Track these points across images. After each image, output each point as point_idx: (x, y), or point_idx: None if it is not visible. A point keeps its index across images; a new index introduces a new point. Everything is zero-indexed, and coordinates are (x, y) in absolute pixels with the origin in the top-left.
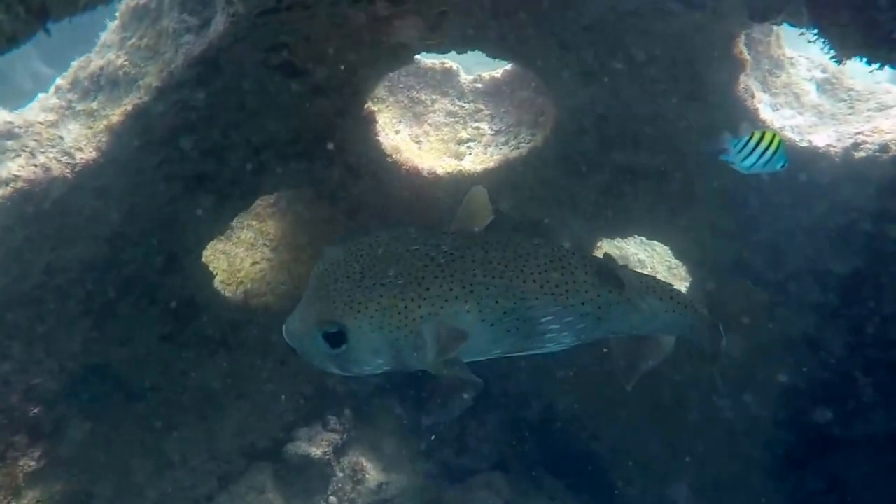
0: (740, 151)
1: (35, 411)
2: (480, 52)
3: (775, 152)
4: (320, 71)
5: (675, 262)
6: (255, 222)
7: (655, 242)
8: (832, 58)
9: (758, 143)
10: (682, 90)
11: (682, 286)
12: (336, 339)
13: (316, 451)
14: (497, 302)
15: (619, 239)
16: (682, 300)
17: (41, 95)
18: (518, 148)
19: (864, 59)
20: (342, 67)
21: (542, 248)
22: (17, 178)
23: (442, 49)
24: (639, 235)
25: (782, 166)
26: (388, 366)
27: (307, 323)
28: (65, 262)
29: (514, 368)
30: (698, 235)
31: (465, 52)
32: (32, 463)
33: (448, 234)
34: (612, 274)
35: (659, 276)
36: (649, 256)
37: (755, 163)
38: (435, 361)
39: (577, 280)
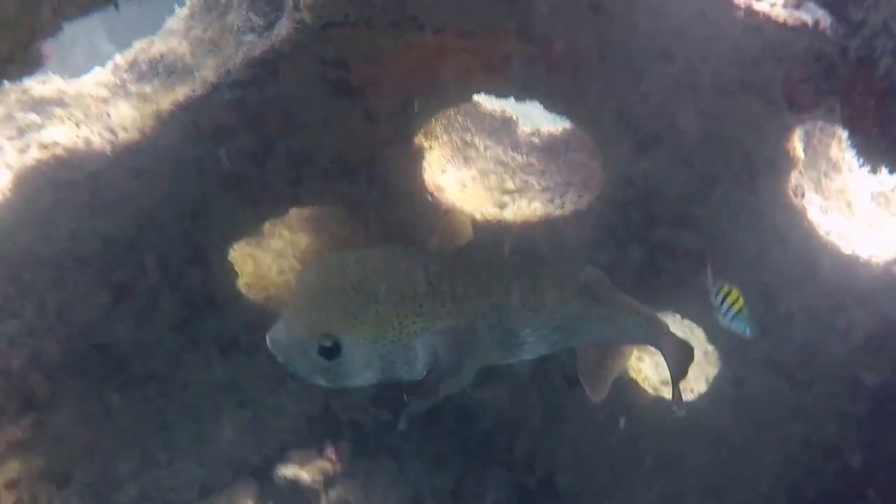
0: (718, 299)
1: (34, 379)
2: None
3: (738, 313)
4: (375, 95)
5: (711, 347)
6: (286, 233)
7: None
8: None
9: (725, 298)
10: (732, 176)
11: (712, 372)
12: (330, 351)
13: (306, 478)
14: (485, 317)
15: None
16: (649, 316)
17: (97, 69)
18: (562, 207)
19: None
20: (397, 95)
21: (522, 267)
22: (56, 143)
23: (502, 93)
24: (676, 314)
25: (747, 333)
26: (376, 378)
27: (298, 334)
28: (90, 233)
29: (522, 427)
30: None
31: (525, 101)
32: (19, 433)
33: (433, 252)
34: (587, 290)
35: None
36: (685, 338)
37: (727, 316)
38: (423, 374)
39: (554, 296)
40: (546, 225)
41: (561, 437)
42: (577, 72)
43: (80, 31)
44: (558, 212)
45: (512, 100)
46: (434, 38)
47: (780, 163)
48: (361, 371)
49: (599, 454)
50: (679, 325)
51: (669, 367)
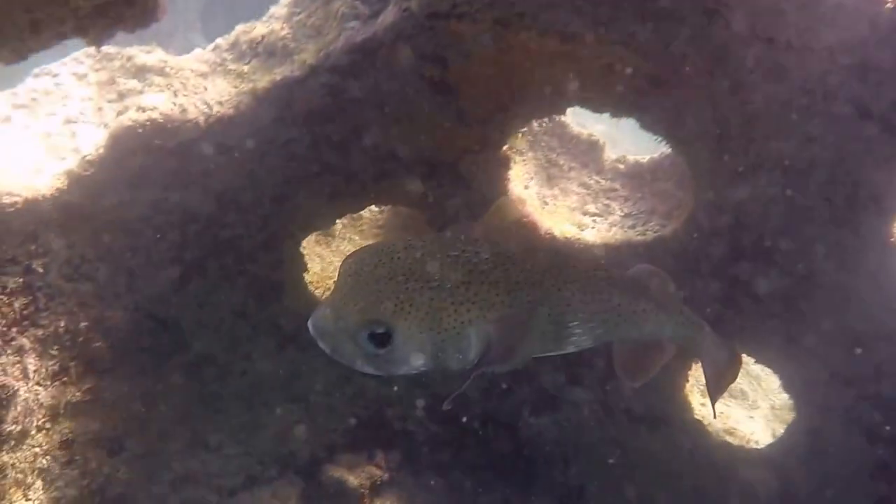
0: None
1: (97, 344)
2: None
3: None
4: (470, 97)
5: (779, 401)
6: (357, 237)
7: (762, 377)
8: None
9: None
10: (832, 211)
11: (780, 428)
12: (382, 339)
13: (353, 482)
14: (537, 307)
15: None
16: (692, 317)
17: (199, 50)
18: (644, 234)
19: None
20: (492, 99)
21: (570, 259)
22: (154, 108)
23: (598, 107)
24: (750, 357)
25: None
26: (426, 367)
27: (347, 320)
28: (171, 204)
29: (577, 458)
30: (813, 374)
31: (620, 117)
32: (78, 394)
33: (481, 241)
34: (635, 286)
35: (760, 414)
36: (753, 390)
37: None
38: (473, 363)
39: (604, 289)
40: (625, 249)
41: (616, 473)
42: (682, 88)
43: (177, 26)
44: (640, 238)
45: (596, 125)
46: (537, 40)
47: (889, 200)
48: (412, 360)
49: (656, 494)
50: (747, 377)
51: (706, 373)
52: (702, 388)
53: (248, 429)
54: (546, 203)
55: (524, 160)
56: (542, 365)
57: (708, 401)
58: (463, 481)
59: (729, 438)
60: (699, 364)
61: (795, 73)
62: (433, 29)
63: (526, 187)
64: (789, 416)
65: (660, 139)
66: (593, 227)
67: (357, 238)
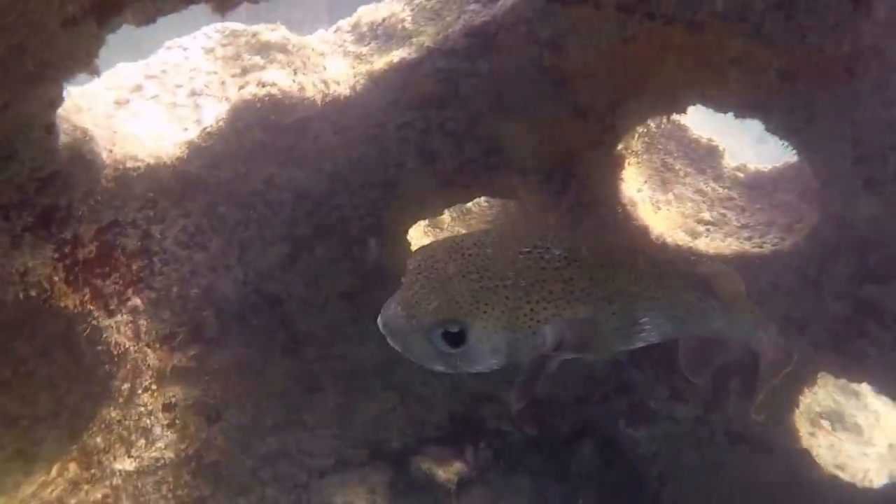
0: None
1: (205, 312)
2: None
3: None
4: (588, 89)
5: None
6: (465, 231)
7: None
8: None
9: None
10: None
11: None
12: (456, 338)
13: (441, 476)
14: (609, 304)
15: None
16: (760, 317)
17: (322, 31)
18: (761, 247)
19: None
20: (611, 92)
21: (641, 256)
22: (274, 84)
23: (721, 105)
24: (872, 387)
25: None
26: (498, 365)
27: (421, 319)
28: (284, 181)
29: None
30: None
31: (745, 117)
32: (184, 359)
33: (551, 237)
34: (703, 284)
35: (875, 452)
36: (870, 425)
37: None
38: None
39: (672, 286)
40: (739, 261)
41: (712, 496)
42: (816, 86)
43: (305, 16)
44: (756, 250)
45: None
46: (661, 30)
47: None
48: (486, 358)
49: None
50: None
51: (763, 371)
52: (811, 416)
53: (343, 412)
54: (658, 208)
55: (639, 162)
56: (642, 376)
57: (817, 430)
58: (551, 488)
59: (839, 473)
60: (812, 391)
61: None
62: (554, 14)
63: (639, 190)
64: None
65: (786, 144)
66: (707, 237)
67: (465, 232)
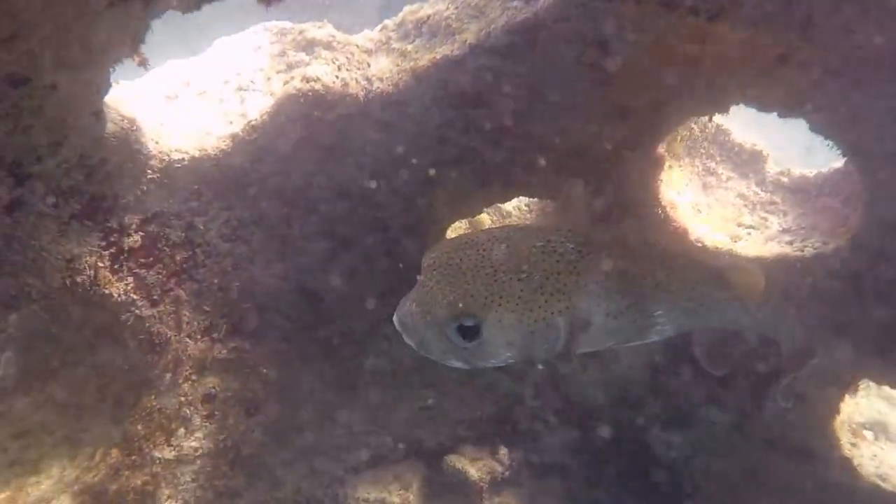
0: None
1: (246, 305)
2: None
3: None
4: (629, 88)
5: None
6: None
7: None
8: None
9: None
10: None
11: None
12: (471, 332)
13: (473, 475)
14: (623, 297)
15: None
16: (775, 305)
17: (367, 30)
18: (802, 251)
19: None
20: (653, 91)
21: (654, 248)
22: (318, 79)
23: (766, 105)
24: None
25: None
26: (514, 359)
27: (436, 314)
28: (325, 177)
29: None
30: None
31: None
32: (224, 351)
33: (564, 231)
34: (719, 276)
35: None
36: None
37: None
38: (561, 353)
39: (687, 278)
40: (780, 265)
41: (750, 502)
42: (862, 83)
43: (355, 22)
44: (797, 254)
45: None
46: (706, 27)
47: None
48: (501, 352)
49: None
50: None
51: (784, 358)
52: (853, 426)
53: (379, 410)
54: (699, 212)
55: (680, 165)
56: (678, 379)
57: (859, 440)
58: (583, 491)
59: (881, 483)
60: (853, 398)
61: None
62: (596, 11)
63: (679, 193)
64: None
65: (832, 145)
66: (746, 240)
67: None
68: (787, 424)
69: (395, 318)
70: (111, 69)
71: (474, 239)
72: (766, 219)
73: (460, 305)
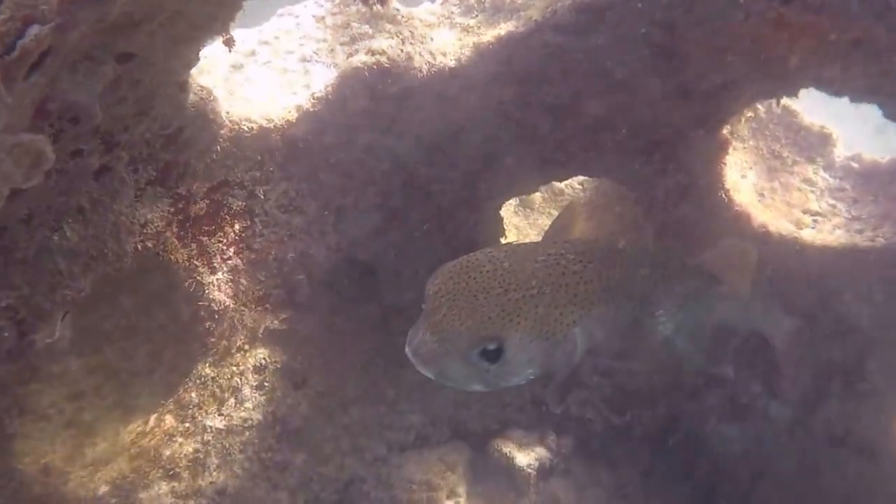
0: None
1: (299, 276)
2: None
3: None
4: (696, 69)
5: None
6: (556, 212)
7: None
8: None
9: None
10: None
11: None
12: (493, 354)
13: (521, 460)
14: (629, 301)
15: None
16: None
17: (428, 3)
18: (873, 240)
19: None
20: (719, 72)
21: (649, 252)
22: (383, 52)
23: (837, 89)
24: None
25: None
26: (534, 374)
27: (457, 342)
28: (383, 150)
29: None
30: None
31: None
32: (276, 322)
33: (559, 243)
34: (707, 273)
35: None
36: None
37: None
38: (579, 361)
39: (683, 278)
40: (848, 255)
41: (810, 501)
42: None
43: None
44: (867, 244)
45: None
46: (778, 9)
47: None
48: (523, 369)
49: None
50: None
51: (781, 351)
52: None
53: (426, 389)
54: (762, 196)
55: (745, 147)
56: (736, 370)
57: None
58: (634, 482)
59: None
60: None
61: None
62: None
63: (743, 176)
64: None
65: None
66: (813, 228)
67: (556, 214)
68: (851, 420)
69: (408, 351)
70: (204, 45)
71: (474, 261)
72: (834, 206)
73: (481, 329)
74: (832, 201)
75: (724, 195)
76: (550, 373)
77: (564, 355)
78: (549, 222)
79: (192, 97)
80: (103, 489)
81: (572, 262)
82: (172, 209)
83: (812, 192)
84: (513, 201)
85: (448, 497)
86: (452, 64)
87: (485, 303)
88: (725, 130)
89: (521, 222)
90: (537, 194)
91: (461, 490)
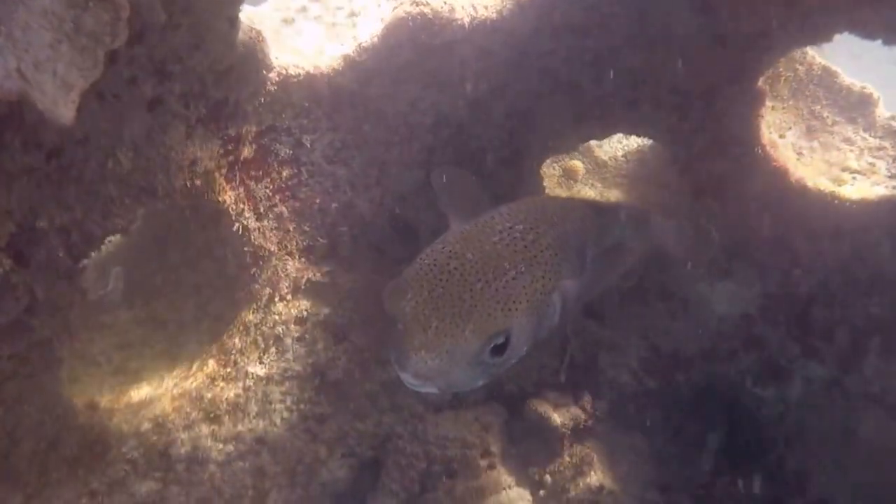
0: None
1: (342, 229)
2: None
3: None
4: (731, 17)
5: None
6: (599, 185)
7: None
8: None
9: None
10: None
11: None
12: (502, 347)
13: (556, 420)
14: (577, 255)
15: None
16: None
17: None
18: None
19: None
20: (756, 19)
21: (567, 204)
22: (427, 3)
23: (869, 33)
24: None
25: None
26: (527, 350)
27: (465, 348)
28: (427, 104)
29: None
30: None
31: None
32: (318, 274)
33: (503, 215)
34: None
35: None
36: None
37: None
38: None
39: (596, 220)
40: (885, 206)
41: (845, 463)
42: None
43: None
44: None
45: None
46: None
47: None
48: (521, 349)
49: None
50: None
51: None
52: None
53: None
54: (801, 154)
55: (784, 108)
56: (773, 331)
57: None
58: (669, 446)
59: None
60: None
61: None
62: None
63: (781, 136)
64: None
65: None
66: (851, 185)
67: (599, 185)
68: (889, 378)
69: (404, 377)
70: None
71: (434, 263)
72: (873, 164)
73: (487, 328)
74: (872, 160)
75: (761, 150)
76: (538, 341)
77: (549, 322)
78: (592, 194)
79: (241, 36)
80: (145, 426)
81: (526, 233)
82: (222, 150)
83: (851, 150)
84: (556, 172)
85: (482, 457)
86: (494, 17)
87: (477, 301)
88: (761, 82)
89: (565, 194)
90: (580, 165)
91: (495, 450)
